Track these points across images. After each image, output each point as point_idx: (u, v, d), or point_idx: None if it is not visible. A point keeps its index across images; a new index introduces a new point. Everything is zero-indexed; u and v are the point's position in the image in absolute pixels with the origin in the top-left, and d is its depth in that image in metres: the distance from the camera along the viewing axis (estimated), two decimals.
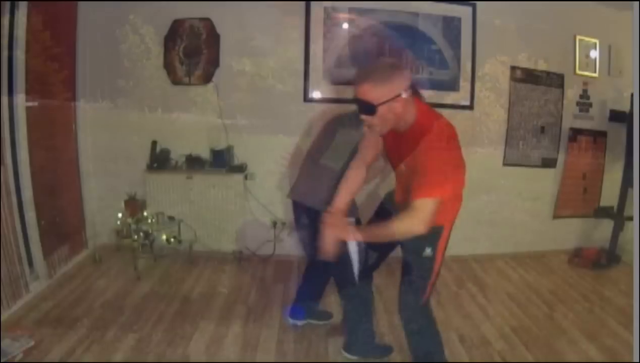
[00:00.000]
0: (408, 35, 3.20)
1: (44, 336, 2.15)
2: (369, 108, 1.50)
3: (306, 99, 3.22)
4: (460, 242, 3.49)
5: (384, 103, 1.47)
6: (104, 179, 3.34)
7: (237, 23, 3.15)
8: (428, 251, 1.71)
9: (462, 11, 3.23)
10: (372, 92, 1.47)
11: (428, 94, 3.21)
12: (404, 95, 1.49)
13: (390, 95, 1.47)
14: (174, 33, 3.15)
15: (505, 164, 3.47)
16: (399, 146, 1.66)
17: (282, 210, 3.25)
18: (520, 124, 3.44)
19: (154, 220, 3.04)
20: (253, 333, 2.32)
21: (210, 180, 3.13)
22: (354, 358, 2.13)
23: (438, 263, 1.75)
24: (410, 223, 1.52)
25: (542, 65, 3.40)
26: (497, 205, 3.50)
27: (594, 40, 3.47)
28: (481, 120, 3.37)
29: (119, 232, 3.16)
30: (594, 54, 3.49)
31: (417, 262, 1.75)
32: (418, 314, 1.82)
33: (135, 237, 2.98)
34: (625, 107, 3.50)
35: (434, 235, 1.67)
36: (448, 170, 1.55)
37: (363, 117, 1.56)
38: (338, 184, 1.80)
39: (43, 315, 2.38)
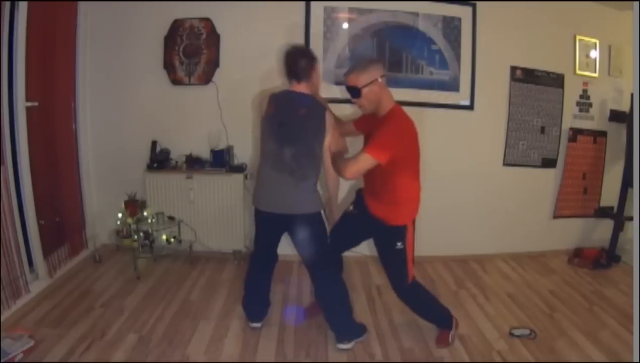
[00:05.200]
0: (408, 35, 3.20)
1: (44, 336, 2.16)
2: (356, 91, 2.01)
3: None
4: (460, 242, 3.51)
5: (365, 86, 1.98)
6: (104, 179, 3.34)
7: (237, 23, 3.15)
8: (399, 245, 2.12)
9: (462, 11, 3.23)
10: (356, 79, 2.00)
11: (428, 94, 3.23)
12: (380, 80, 2.00)
13: (369, 80, 1.98)
14: (174, 33, 3.15)
15: (505, 164, 3.47)
16: (376, 129, 2.02)
17: None
18: (520, 124, 3.44)
19: (154, 220, 3.04)
20: (253, 333, 2.32)
21: (210, 180, 3.13)
22: (349, 345, 2.22)
23: (410, 254, 2.15)
24: (347, 166, 1.98)
25: (542, 65, 3.40)
26: (497, 205, 3.50)
27: (594, 40, 3.47)
28: (481, 120, 3.37)
29: (119, 232, 3.16)
30: (594, 54, 3.49)
31: (391, 253, 2.16)
32: (410, 292, 2.24)
33: (135, 237, 2.99)
34: (625, 107, 3.51)
35: (400, 232, 2.12)
36: (392, 138, 1.96)
37: (354, 100, 2.06)
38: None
39: (43, 315, 2.38)
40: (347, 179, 2.03)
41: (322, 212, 2.19)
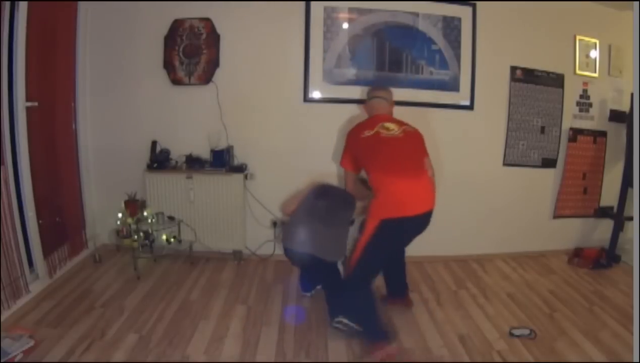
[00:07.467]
0: (408, 35, 3.20)
1: (44, 336, 2.16)
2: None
3: (306, 99, 3.22)
4: (461, 242, 3.51)
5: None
6: (104, 178, 3.34)
7: (237, 23, 3.15)
8: (358, 235, 2.26)
9: (462, 11, 3.23)
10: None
11: (428, 94, 3.23)
12: (367, 101, 2.52)
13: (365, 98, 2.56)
14: (174, 33, 3.15)
15: (505, 164, 3.47)
16: None
17: None
18: (520, 124, 3.44)
19: (154, 220, 3.04)
20: (253, 333, 2.32)
21: (210, 180, 3.13)
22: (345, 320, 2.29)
23: (358, 250, 2.18)
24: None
25: (542, 65, 3.40)
26: (497, 205, 3.50)
27: (594, 40, 3.47)
28: (481, 120, 3.37)
29: (119, 232, 3.16)
30: (594, 54, 3.49)
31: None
32: (350, 286, 2.25)
33: (135, 237, 2.99)
34: (625, 107, 3.51)
35: (364, 223, 2.24)
36: (345, 145, 2.47)
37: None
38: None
39: (43, 315, 2.38)
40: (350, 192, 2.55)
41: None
